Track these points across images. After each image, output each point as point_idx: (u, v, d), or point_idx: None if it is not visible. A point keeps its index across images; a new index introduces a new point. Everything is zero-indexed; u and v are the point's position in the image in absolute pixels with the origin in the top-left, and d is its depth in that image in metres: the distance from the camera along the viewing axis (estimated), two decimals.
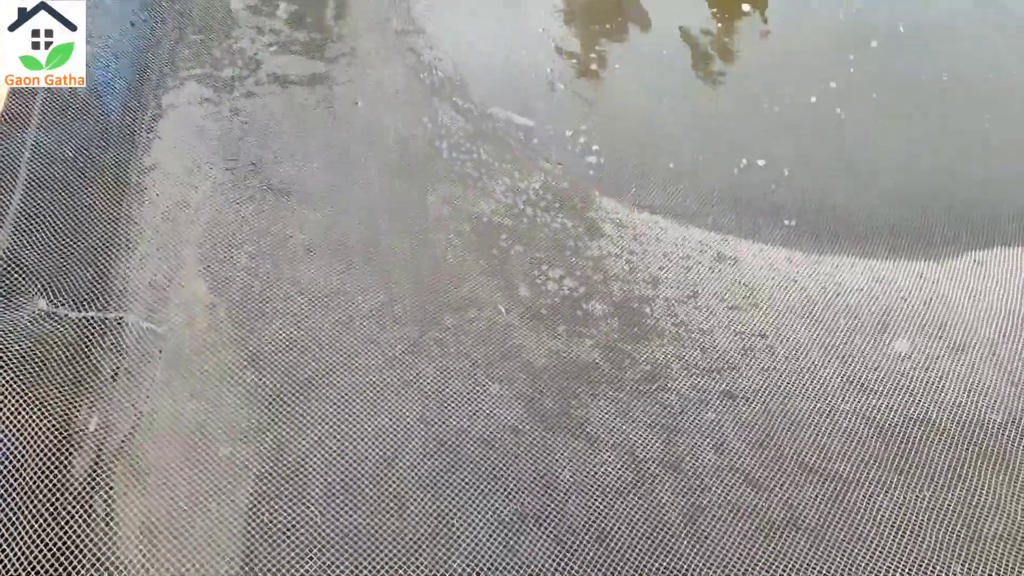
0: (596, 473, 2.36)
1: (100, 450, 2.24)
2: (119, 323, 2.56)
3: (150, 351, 2.51)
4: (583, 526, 2.22)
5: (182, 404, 2.39)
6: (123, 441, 2.27)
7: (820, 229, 3.31)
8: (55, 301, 2.55)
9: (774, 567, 2.16)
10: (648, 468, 2.38)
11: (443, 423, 2.44)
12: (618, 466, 2.38)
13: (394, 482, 2.27)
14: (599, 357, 2.71)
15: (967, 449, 2.49)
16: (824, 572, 2.16)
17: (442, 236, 3.06)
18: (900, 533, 2.25)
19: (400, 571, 2.07)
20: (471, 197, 3.23)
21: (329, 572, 2.05)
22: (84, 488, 2.14)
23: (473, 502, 2.25)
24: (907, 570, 2.17)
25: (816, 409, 2.60)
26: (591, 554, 2.15)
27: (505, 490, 2.29)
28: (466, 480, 2.30)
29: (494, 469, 2.34)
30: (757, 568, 2.15)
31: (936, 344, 2.84)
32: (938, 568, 2.18)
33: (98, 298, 2.62)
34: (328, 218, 3.05)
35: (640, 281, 2.99)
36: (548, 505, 2.26)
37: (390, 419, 2.43)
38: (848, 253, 3.21)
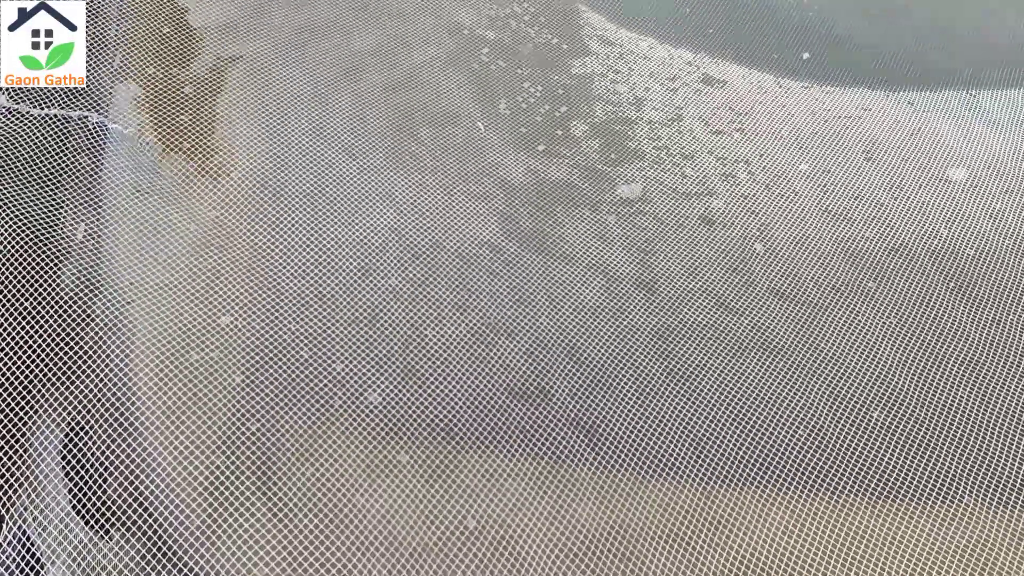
0: (569, 291, 2.37)
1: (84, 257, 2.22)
2: (83, 123, 2.47)
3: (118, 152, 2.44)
4: (554, 341, 2.25)
5: (150, 208, 2.35)
6: (97, 246, 2.25)
7: (818, 53, 3.19)
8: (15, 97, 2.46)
9: (739, 384, 2.21)
10: (620, 288, 2.38)
11: (417, 236, 2.42)
12: (591, 284, 2.39)
13: (366, 292, 2.28)
14: (577, 178, 2.66)
15: (937, 280, 2.51)
16: (787, 389, 2.22)
17: (420, 48, 2.93)
18: (862, 354, 2.30)
19: (371, 377, 2.11)
20: (451, 7, 3.06)
21: (301, 377, 2.08)
22: (72, 292, 2.13)
23: (445, 314, 2.26)
24: (867, 385, 2.24)
25: (792, 237, 2.58)
26: (560, 367, 2.19)
27: (478, 304, 2.30)
28: (439, 293, 2.31)
29: (467, 283, 2.35)
30: (722, 385, 2.20)
31: (919, 175, 2.80)
32: (895, 385, 2.24)
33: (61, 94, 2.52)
34: (294, 26, 2.90)
35: (624, 103, 2.90)
36: (520, 319, 2.28)
37: (363, 230, 2.40)
38: (840, 81, 3.10)
